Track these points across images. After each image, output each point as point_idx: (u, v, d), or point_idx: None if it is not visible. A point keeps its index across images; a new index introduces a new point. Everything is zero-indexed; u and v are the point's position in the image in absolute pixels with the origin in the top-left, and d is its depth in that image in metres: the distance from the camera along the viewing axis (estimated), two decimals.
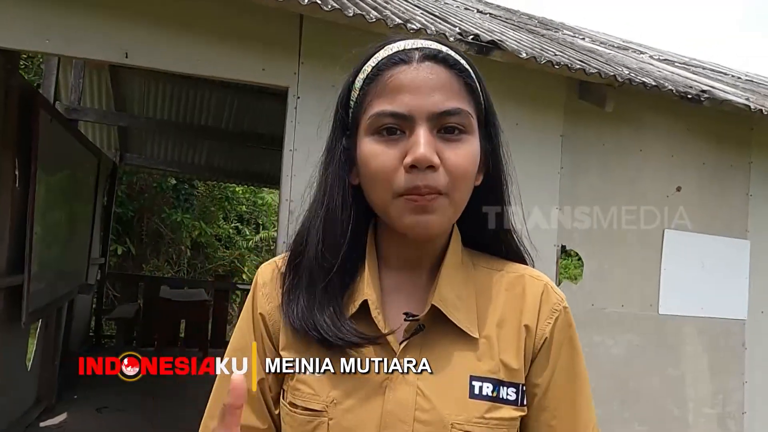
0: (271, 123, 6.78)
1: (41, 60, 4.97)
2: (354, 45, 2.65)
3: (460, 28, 2.77)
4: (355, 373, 0.73)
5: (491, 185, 0.81)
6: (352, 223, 0.79)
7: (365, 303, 0.76)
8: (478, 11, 4.22)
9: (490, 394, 0.74)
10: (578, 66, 2.70)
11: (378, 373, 0.73)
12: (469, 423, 0.72)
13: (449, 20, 3.04)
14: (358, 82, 0.78)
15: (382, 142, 0.73)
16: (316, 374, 0.74)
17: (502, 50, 2.70)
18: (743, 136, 3.56)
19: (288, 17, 2.58)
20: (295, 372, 0.75)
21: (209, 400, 0.87)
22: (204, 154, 7.87)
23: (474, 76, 0.77)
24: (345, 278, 0.78)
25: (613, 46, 4.65)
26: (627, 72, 2.93)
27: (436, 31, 2.50)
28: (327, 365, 0.74)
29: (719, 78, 4.46)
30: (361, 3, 2.56)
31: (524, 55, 2.61)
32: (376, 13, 2.38)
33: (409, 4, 3.09)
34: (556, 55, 2.84)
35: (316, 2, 2.25)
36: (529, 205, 2.73)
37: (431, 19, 2.85)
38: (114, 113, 5.72)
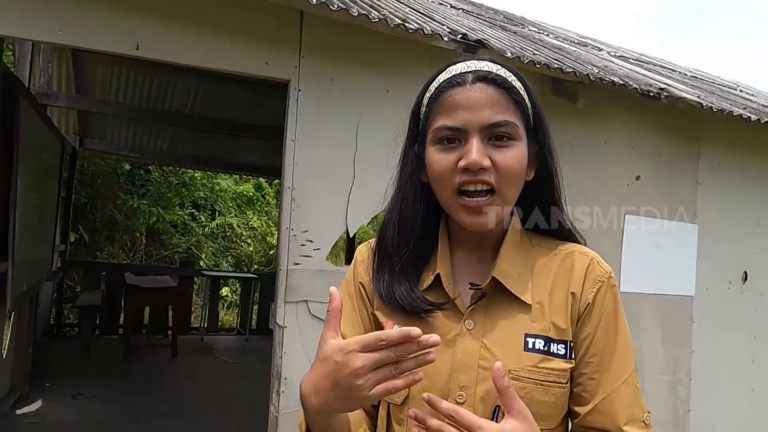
0: (238, 109, 6.81)
1: (11, 43, 4.83)
2: (351, 41, 2.89)
3: (448, 27, 2.96)
4: (432, 331, 0.87)
5: (542, 179, 0.98)
6: (422, 213, 0.98)
7: (438, 276, 0.95)
8: (452, 6, 4.41)
9: (541, 348, 0.91)
10: (556, 65, 2.94)
11: (450, 331, 0.92)
12: (523, 371, 0.89)
13: (435, 18, 3.22)
14: (425, 100, 0.96)
15: (443, 150, 0.91)
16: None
17: (487, 49, 2.91)
18: (693, 130, 3.92)
19: (289, 14, 2.71)
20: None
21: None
22: (167, 140, 7.79)
23: (521, 91, 0.93)
24: (418, 260, 0.97)
25: (574, 42, 4.95)
26: (596, 71, 3.20)
27: (432, 31, 2.68)
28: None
29: (670, 75, 4.82)
30: (360, 2, 2.71)
31: (509, 54, 2.83)
32: (377, 13, 2.54)
33: (396, 2, 3.25)
34: (535, 54, 3.08)
35: (324, 1, 2.39)
36: None
37: (421, 18, 3.02)
38: (86, 99, 5.64)
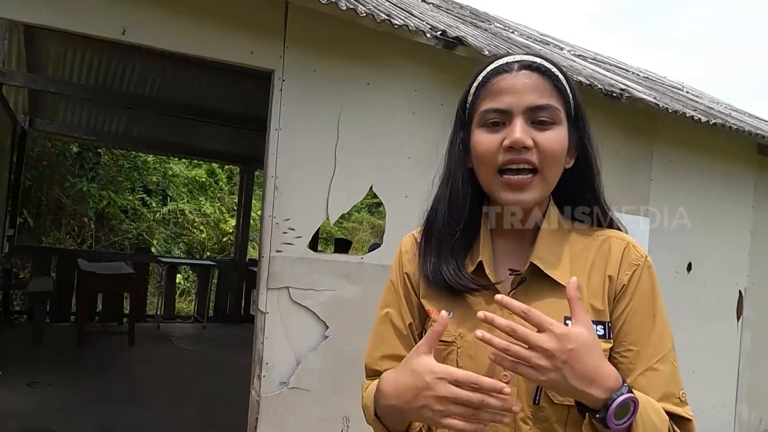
0: (200, 94, 6.69)
1: None
2: (334, 33, 2.96)
3: (427, 23, 3.05)
4: (474, 314, 0.92)
5: (582, 166, 1.02)
6: (469, 196, 1.02)
7: (481, 263, 1.00)
8: (423, 0, 4.50)
9: None
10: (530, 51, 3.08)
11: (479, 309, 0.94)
12: None
13: (413, 13, 3.30)
14: (473, 89, 1.01)
15: (489, 131, 0.96)
16: (448, 316, 0.98)
17: (465, 46, 3.01)
18: (648, 129, 4.17)
19: (274, 4, 2.73)
20: (434, 317, 0.99)
21: (372, 338, 1.13)
22: (123, 122, 7.58)
23: (563, 80, 0.98)
24: (465, 240, 1.02)
25: (537, 41, 5.13)
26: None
27: (415, 27, 2.77)
28: (451, 312, 0.99)
29: (626, 75, 5.08)
30: None
31: (486, 52, 2.95)
32: (363, 8, 2.60)
33: None
34: (509, 52, 3.21)
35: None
36: None
37: (402, 12, 3.10)
38: (45, 78, 5.41)
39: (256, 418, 2.75)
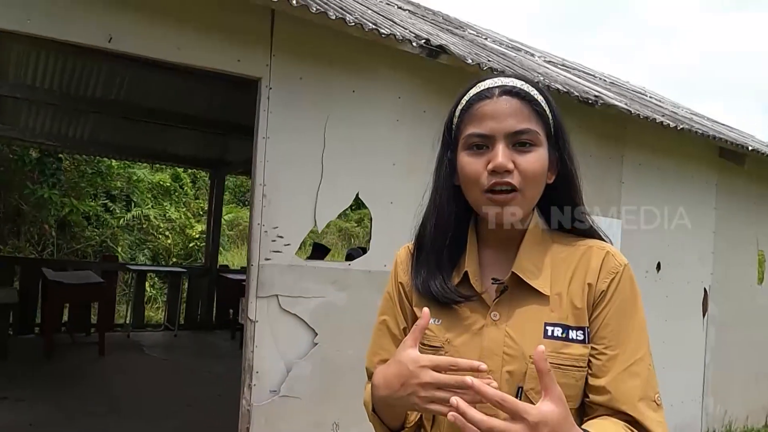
0: (168, 98, 6.58)
1: None
2: (319, 42, 2.99)
3: (410, 31, 3.09)
4: (462, 321, 1.03)
5: (562, 182, 1.07)
6: (455, 213, 1.08)
7: (467, 273, 1.06)
8: (399, 7, 4.54)
9: (560, 335, 0.99)
10: (510, 73, 3.16)
11: (477, 322, 1.03)
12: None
13: (395, 21, 3.34)
14: (458, 112, 1.06)
15: (473, 154, 1.01)
16: (436, 323, 1.05)
17: (448, 54, 3.07)
18: (619, 134, 4.31)
19: (261, 13, 2.73)
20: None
21: (371, 344, 1.19)
22: (89, 127, 7.39)
23: (542, 103, 1.02)
24: (452, 255, 1.08)
25: (509, 47, 5.24)
26: (542, 78, 3.45)
27: (402, 36, 2.80)
28: (439, 319, 1.05)
29: (595, 81, 5.23)
30: (330, 4, 2.78)
31: (470, 61, 3.02)
32: (351, 17, 2.62)
33: (357, 3, 3.34)
34: (489, 61, 3.28)
35: (303, 4, 2.45)
36: None
37: (387, 21, 3.13)
38: (7, 83, 5.24)
39: (247, 428, 2.73)
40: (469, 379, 0.84)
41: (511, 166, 0.98)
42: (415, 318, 1.10)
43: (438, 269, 1.07)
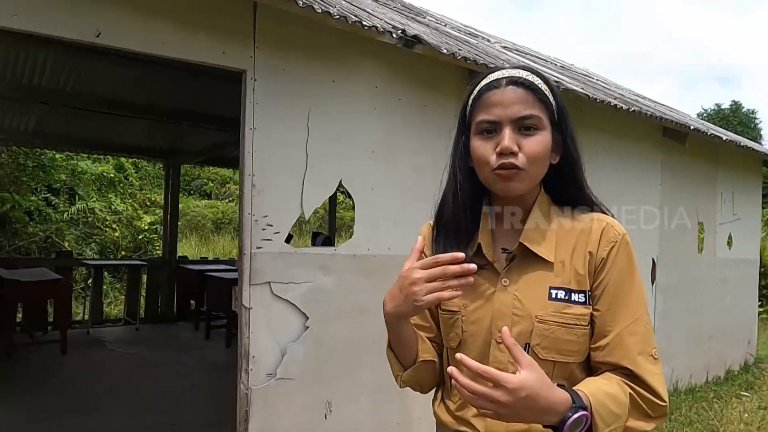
0: (118, 87, 6.41)
1: None
2: (300, 33, 3.10)
3: (386, 21, 3.19)
4: (477, 288, 1.17)
5: (566, 162, 1.20)
6: (470, 191, 1.21)
7: (480, 245, 1.19)
8: None
9: (562, 297, 1.12)
10: (482, 61, 3.32)
11: (490, 288, 1.17)
12: (548, 315, 1.11)
13: (368, 11, 3.42)
14: (470, 101, 1.19)
15: (483, 138, 1.14)
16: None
17: (423, 44, 3.20)
18: (576, 118, 4.55)
19: (243, 6, 2.77)
20: None
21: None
22: (33, 118, 7.09)
23: (545, 91, 1.15)
24: (468, 230, 1.21)
25: (468, 34, 5.41)
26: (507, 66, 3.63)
27: (383, 28, 2.91)
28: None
29: (548, 66, 5.47)
30: None
31: (445, 50, 3.15)
32: (335, 10, 2.70)
33: None
34: (460, 50, 3.43)
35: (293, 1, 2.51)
36: (432, 175, 3.32)
37: (362, 12, 3.21)
38: None
39: (246, 411, 2.82)
40: (458, 355, 0.97)
41: (515, 148, 1.10)
42: None
43: (456, 242, 1.19)
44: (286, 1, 2.50)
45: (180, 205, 15.80)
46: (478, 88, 1.17)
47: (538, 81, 1.15)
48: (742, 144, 6.21)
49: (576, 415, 0.97)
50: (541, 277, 1.14)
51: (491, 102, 1.12)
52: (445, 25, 5.25)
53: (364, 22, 2.79)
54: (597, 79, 6.89)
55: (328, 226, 8.74)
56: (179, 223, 16.19)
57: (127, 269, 8.15)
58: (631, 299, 1.13)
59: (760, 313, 8.35)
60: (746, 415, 5.20)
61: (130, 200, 14.92)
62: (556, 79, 4.24)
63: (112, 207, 13.81)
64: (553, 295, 1.12)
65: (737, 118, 28.91)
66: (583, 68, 8.42)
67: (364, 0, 4.20)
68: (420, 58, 3.36)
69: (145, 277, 7.97)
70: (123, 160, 14.65)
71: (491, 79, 1.16)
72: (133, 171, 15.94)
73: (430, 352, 1.27)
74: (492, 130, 1.12)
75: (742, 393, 5.92)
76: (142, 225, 13.97)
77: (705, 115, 29.31)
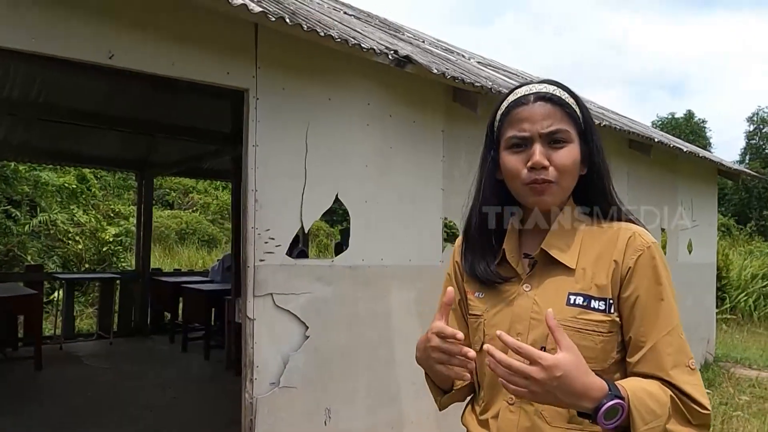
0: (89, 98, 6.37)
1: None
2: (299, 53, 3.29)
3: (378, 42, 3.33)
4: (500, 294, 1.21)
5: (594, 172, 1.22)
6: (498, 203, 1.25)
7: (505, 252, 1.23)
8: (345, 12, 4.76)
9: (581, 303, 1.13)
10: (469, 80, 3.50)
11: (512, 293, 1.20)
12: (564, 320, 1.11)
13: (358, 31, 3.57)
14: (499, 116, 1.22)
15: (514, 153, 1.17)
16: (479, 297, 1.26)
17: (414, 64, 3.36)
18: None
19: (246, 27, 2.88)
20: (470, 297, 1.28)
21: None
22: (2, 130, 6.95)
23: (572, 105, 1.18)
24: (497, 240, 1.26)
25: (446, 50, 5.60)
26: (490, 83, 3.83)
27: (379, 50, 3.05)
28: (482, 293, 1.25)
29: (519, 80, 5.70)
30: (304, 20, 2.97)
31: (435, 71, 3.32)
32: (335, 32, 2.84)
33: (319, 14, 3.53)
34: (446, 69, 3.61)
35: (298, 23, 2.63)
36: (421, 187, 3.48)
37: (356, 33, 3.36)
38: None
39: (251, 420, 2.90)
40: (497, 332, 1.03)
41: (546, 162, 1.14)
42: (464, 292, 1.32)
43: (482, 254, 1.26)
44: (292, 26, 2.61)
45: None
46: (506, 104, 1.21)
47: (564, 95, 1.18)
48: (700, 155, 6.60)
49: (611, 402, 0.97)
50: (561, 283, 1.16)
51: (520, 118, 1.16)
52: (423, 42, 5.44)
53: (362, 45, 2.93)
54: None
55: (301, 238, 8.78)
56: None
57: (99, 282, 8.02)
58: (664, 310, 1.12)
59: (717, 314, 8.81)
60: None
61: (94, 212, 14.60)
62: None
63: (75, 219, 13.49)
64: (572, 301, 1.13)
65: (690, 127, 30.22)
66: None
67: (349, 19, 4.35)
68: (408, 76, 3.52)
69: (117, 290, 7.85)
70: (85, 170, 14.36)
71: (519, 95, 1.19)
72: (95, 182, 15.62)
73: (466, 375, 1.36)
74: (522, 144, 1.16)
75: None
76: (107, 237, 13.68)
77: (659, 123, 30.55)
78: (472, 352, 1.07)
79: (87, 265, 12.67)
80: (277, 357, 3.02)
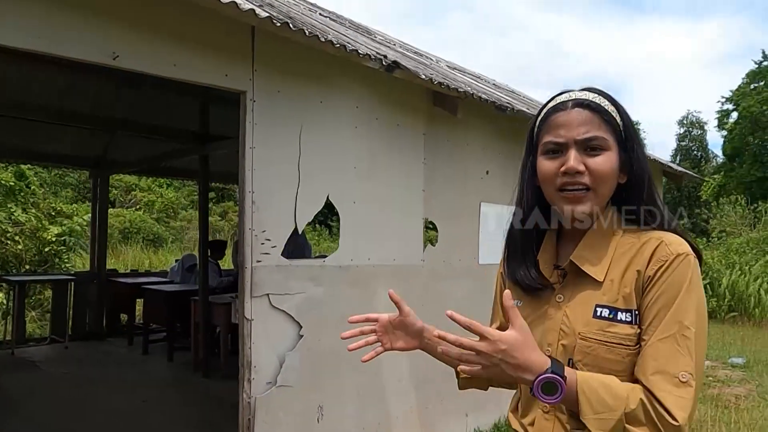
0: (39, 92, 6.13)
1: None
2: (293, 56, 3.40)
3: (367, 47, 3.41)
4: (537, 303, 1.23)
5: (633, 181, 1.19)
6: (538, 209, 1.25)
7: (538, 262, 1.24)
8: (320, 14, 4.79)
9: (607, 316, 1.12)
10: (453, 86, 3.63)
11: (547, 303, 1.21)
12: (590, 333, 1.12)
13: (341, 33, 3.63)
14: (538, 122, 1.23)
15: (550, 158, 1.17)
16: (518, 304, 1.24)
17: (401, 69, 3.45)
18: (521, 133, 4.98)
19: (243, 30, 2.89)
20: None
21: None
22: None
23: (611, 112, 1.16)
24: (536, 248, 1.26)
25: (414, 53, 5.72)
26: (470, 90, 3.98)
27: (374, 55, 3.13)
28: (521, 301, 1.25)
29: (488, 84, 5.90)
30: (306, 24, 3.01)
31: (423, 76, 3.42)
32: (331, 36, 2.90)
33: (301, 15, 3.57)
34: (432, 74, 3.72)
35: (297, 29, 2.68)
36: (404, 189, 3.59)
37: (342, 37, 3.42)
38: None
39: (250, 419, 2.93)
40: (448, 312, 1.07)
41: (582, 168, 1.13)
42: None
43: (523, 260, 1.26)
44: (295, 31, 2.66)
45: (86, 215, 14.95)
46: (545, 110, 1.21)
47: (604, 102, 1.17)
48: (651, 157, 6.98)
49: (545, 375, 1.02)
50: (590, 294, 1.15)
51: (557, 123, 1.16)
52: (395, 45, 5.54)
53: (359, 51, 3.00)
54: (520, 94, 7.47)
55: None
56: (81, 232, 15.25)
57: (51, 284, 7.71)
58: (671, 317, 1.08)
59: None
60: None
61: (34, 210, 13.95)
62: (509, 100, 4.64)
63: (13, 218, 12.85)
64: (598, 313, 1.12)
65: None
66: (503, 83, 9.02)
67: (325, 21, 4.39)
68: (393, 80, 3.61)
69: (71, 292, 7.56)
70: (24, 167, 13.69)
71: (558, 102, 1.19)
72: (35, 179, 14.91)
73: None
74: (558, 150, 1.16)
75: None
76: (49, 237, 13.09)
77: None
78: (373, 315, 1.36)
79: (27, 267, 12.09)
80: (273, 357, 3.06)
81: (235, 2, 2.40)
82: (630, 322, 1.10)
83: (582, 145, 1.14)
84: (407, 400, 3.84)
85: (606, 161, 1.14)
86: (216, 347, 6.34)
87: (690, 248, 1.12)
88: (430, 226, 4.24)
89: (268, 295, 3.03)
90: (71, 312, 7.57)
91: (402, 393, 3.79)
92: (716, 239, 17.80)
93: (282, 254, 3.09)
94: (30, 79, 5.93)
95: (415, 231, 3.98)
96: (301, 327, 3.18)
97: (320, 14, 4.83)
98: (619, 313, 1.11)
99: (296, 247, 4.20)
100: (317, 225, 19.96)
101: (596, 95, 1.18)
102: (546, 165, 1.17)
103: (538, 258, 1.24)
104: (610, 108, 1.17)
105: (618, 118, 1.18)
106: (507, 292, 1.08)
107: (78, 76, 5.70)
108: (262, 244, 3.00)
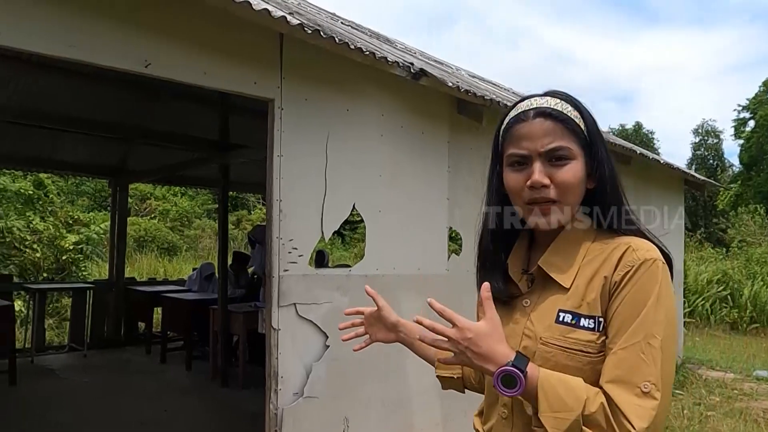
0: (62, 102, 6.18)
1: None
2: (321, 64, 3.37)
3: (396, 56, 3.39)
4: (507, 308, 1.19)
5: (602, 186, 1.16)
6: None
7: (507, 267, 1.21)
8: (342, 23, 4.79)
9: (569, 321, 1.09)
10: (480, 93, 3.60)
11: (515, 308, 1.19)
12: (551, 338, 1.10)
13: (367, 41, 3.62)
14: (501, 132, 1.20)
15: (514, 171, 1.14)
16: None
17: (428, 77, 3.43)
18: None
19: (272, 38, 2.89)
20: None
21: None
22: None
23: (574, 119, 1.12)
24: (505, 257, 1.23)
25: (435, 62, 5.71)
26: (495, 97, 3.94)
27: (402, 64, 3.11)
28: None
29: (510, 92, 5.87)
30: (335, 32, 3.00)
31: (450, 84, 3.40)
32: (358, 44, 2.88)
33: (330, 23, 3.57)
34: (458, 80, 3.69)
35: (327, 37, 2.66)
36: (429, 197, 3.55)
37: (371, 46, 3.40)
38: None
39: (276, 430, 2.89)
40: (428, 299, 1.10)
41: (546, 181, 1.10)
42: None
43: (492, 270, 1.23)
44: (325, 38, 2.64)
45: (102, 223, 15.06)
46: (507, 120, 1.18)
47: (567, 108, 1.13)
48: (675, 166, 6.92)
49: (505, 368, 1.02)
50: (555, 300, 1.13)
51: (519, 135, 1.13)
52: (415, 54, 5.53)
53: (388, 59, 2.98)
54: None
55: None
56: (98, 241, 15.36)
57: (72, 292, 7.75)
58: (638, 326, 1.04)
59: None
60: (686, 411, 5.78)
61: (52, 218, 14.08)
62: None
63: (32, 226, 12.98)
64: (561, 318, 1.10)
65: (639, 137, 31.47)
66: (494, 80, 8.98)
67: (348, 29, 4.39)
68: (418, 88, 3.59)
69: (90, 301, 7.59)
70: (43, 176, 13.85)
71: (519, 111, 1.16)
72: (53, 188, 15.06)
73: (450, 370, 1.47)
74: (523, 162, 1.13)
75: (677, 392, 6.54)
76: (66, 245, 13.21)
77: (610, 134, 31.66)
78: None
79: (45, 274, 12.21)
80: (300, 367, 3.02)
81: (267, 10, 2.39)
82: (592, 329, 1.07)
83: (546, 156, 1.11)
84: (432, 413, 3.78)
85: (571, 171, 1.11)
86: (234, 356, 6.32)
87: (659, 254, 1.09)
88: (454, 235, 4.20)
89: (294, 304, 3.00)
90: (90, 320, 7.60)
91: (427, 405, 3.73)
92: (737, 249, 17.54)
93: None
94: (52, 88, 5.99)
95: (439, 240, 3.94)
96: (327, 337, 3.15)
97: (342, 23, 4.83)
98: (582, 319, 1.09)
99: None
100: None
101: (558, 101, 1.14)
102: (512, 178, 1.15)
103: (507, 262, 1.22)
104: (573, 114, 1.13)
105: (582, 124, 1.14)
106: (486, 284, 1.09)
107: (100, 86, 5.75)
108: (289, 252, 2.97)
